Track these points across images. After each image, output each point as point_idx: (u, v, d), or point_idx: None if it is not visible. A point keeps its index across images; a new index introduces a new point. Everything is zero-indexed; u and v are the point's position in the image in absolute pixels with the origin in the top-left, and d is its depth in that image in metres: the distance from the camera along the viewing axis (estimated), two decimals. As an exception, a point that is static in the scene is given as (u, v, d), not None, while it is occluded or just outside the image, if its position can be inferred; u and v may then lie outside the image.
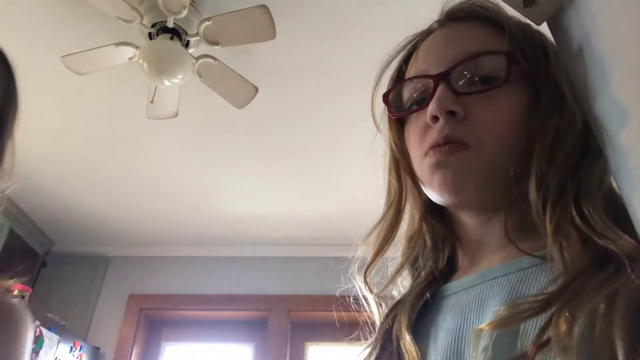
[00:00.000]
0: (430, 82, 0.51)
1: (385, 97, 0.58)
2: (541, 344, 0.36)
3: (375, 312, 0.58)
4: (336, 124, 2.42)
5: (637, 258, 0.36)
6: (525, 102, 0.50)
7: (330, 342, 3.22)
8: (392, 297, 0.58)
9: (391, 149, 0.59)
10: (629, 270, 0.36)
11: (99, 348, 3.09)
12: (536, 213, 0.45)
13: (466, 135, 0.48)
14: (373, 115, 0.61)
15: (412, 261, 0.58)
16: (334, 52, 2.08)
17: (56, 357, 2.64)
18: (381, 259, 0.57)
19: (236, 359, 3.37)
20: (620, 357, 0.31)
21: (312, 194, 2.99)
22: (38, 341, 2.49)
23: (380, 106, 0.59)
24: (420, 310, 0.52)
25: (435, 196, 0.52)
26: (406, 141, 0.56)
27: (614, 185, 0.46)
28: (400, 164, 0.58)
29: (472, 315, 0.46)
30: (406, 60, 0.60)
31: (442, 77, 0.50)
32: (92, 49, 1.91)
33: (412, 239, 0.58)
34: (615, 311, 0.33)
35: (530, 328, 0.38)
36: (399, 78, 0.60)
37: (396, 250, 0.58)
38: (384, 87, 0.60)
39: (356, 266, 0.59)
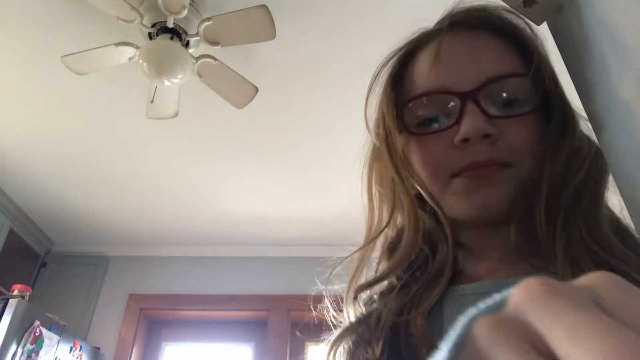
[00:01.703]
0: (454, 99, 0.49)
1: (400, 111, 0.54)
2: None
3: (352, 313, 0.55)
4: (337, 124, 2.42)
5: None
6: (541, 123, 0.50)
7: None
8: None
9: (393, 159, 0.55)
10: None
11: (99, 348, 3.09)
12: (543, 234, 0.45)
13: (503, 156, 0.48)
14: (366, 119, 0.58)
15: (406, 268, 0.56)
16: (333, 52, 2.08)
17: (56, 357, 2.64)
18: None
19: (236, 359, 3.37)
20: None
21: (313, 194, 2.99)
22: (38, 341, 2.49)
23: (373, 108, 0.57)
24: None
25: (463, 214, 0.50)
26: (414, 157, 0.53)
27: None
28: (402, 175, 0.54)
29: None
30: (403, 62, 0.57)
31: (470, 97, 0.48)
32: (92, 49, 1.91)
33: (409, 248, 0.55)
34: None
35: None
36: (395, 81, 0.57)
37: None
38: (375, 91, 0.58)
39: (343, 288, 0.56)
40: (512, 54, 0.52)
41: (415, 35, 0.57)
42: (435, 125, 0.51)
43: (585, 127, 0.50)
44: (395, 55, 0.58)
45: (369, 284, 0.54)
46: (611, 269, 0.39)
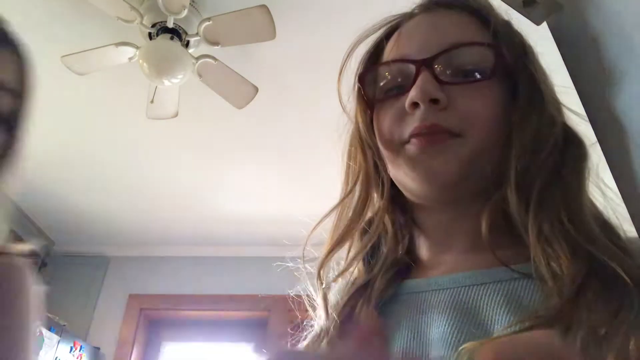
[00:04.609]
0: (412, 67, 0.49)
1: (361, 79, 0.55)
2: None
3: (321, 303, 0.55)
4: (337, 124, 2.41)
5: None
6: (504, 98, 0.49)
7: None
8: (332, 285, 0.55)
9: (359, 131, 0.57)
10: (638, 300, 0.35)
11: (99, 348, 3.09)
12: (517, 215, 0.43)
13: (452, 124, 0.47)
14: (339, 94, 0.59)
15: (367, 249, 0.56)
16: (334, 51, 2.07)
17: (56, 357, 2.64)
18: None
19: (236, 359, 3.37)
20: None
21: (313, 194, 2.99)
22: (38, 341, 2.49)
23: (347, 85, 0.57)
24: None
25: (412, 186, 0.50)
26: (375, 126, 0.54)
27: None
28: (366, 149, 0.56)
29: (440, 319, 0.44)
30: (380, 43, 0.57)
31: (425, 64, 0.48)
32: (92, 49, 1.91)
33: (372, 225, 0.55)
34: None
35: None
36: (374, 59, 0.57)
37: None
38: (351, 67, 0.58)
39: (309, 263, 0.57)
40: (477, 27, 0.51)
41: (390, 17, 0.59)
42: (394, 92, 0.51)
43: (562, 111, 0.49)
44: (372, 33, 0.59)
45: (326, 255, 0.56)
46: (590, 256, 0.38)
